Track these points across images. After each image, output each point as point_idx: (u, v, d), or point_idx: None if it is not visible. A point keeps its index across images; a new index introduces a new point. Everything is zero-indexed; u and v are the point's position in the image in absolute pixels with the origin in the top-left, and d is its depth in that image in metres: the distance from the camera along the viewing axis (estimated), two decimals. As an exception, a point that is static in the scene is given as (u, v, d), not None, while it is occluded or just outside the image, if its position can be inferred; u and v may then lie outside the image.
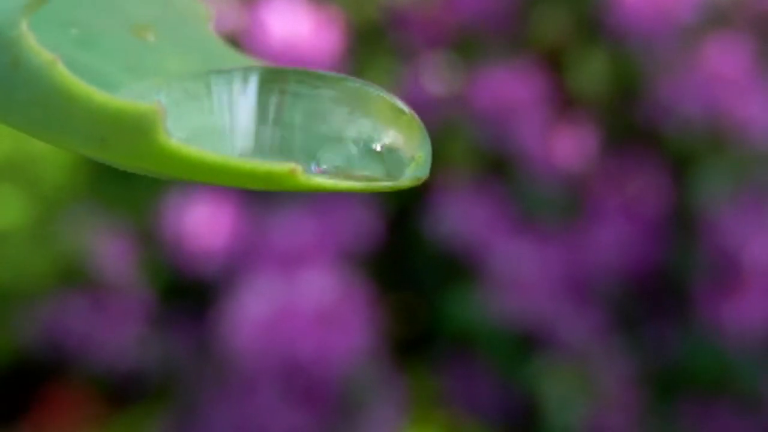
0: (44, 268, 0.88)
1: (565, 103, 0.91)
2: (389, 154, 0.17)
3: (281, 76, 0.17)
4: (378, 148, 0.17)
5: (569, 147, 0.90)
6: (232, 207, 0.87)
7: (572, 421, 0.86)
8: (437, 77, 0.91)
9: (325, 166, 0.17)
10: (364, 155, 0.17)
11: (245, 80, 0.17)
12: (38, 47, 0.13)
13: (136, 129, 0.13)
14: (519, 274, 0.87)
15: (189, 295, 0.90)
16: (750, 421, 0.88)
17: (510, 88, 0.89)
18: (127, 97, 0.16)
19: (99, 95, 0.13)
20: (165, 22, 0.20)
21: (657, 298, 0.91)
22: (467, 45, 0.93)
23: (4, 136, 0.85)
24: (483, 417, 0.89)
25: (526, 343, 0.88)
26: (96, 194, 0.90)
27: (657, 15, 0.89)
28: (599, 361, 0.87)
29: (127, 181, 0.89)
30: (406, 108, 0.18)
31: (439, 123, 0.89)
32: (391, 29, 0.93)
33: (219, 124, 0.17)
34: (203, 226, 0.86)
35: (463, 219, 0.88)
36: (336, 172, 0.16)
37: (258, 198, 0.88)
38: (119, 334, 0.88)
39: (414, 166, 0.17)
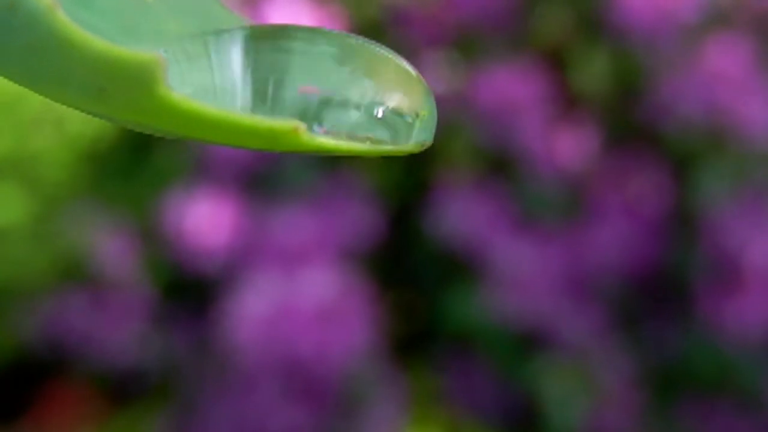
0: (45, 265, 0.88)
1: (566, 102, 0.91)
2: (393, 117, 0.16)
3: (281, 34, 0.17)
4: (382, 111, 0.16)
5: (570, 146, 0.90)
6: (233, 204, 0.87)
7: (572, 419, 0.86)
8: (439, 76, 0.91)
9: (327, 128, 0.16)
10: (368, 117, 0.16)
11: (244, 39, 0.17)
12: None
13: (137, 79, 0.13)
14: (520, 273, 0.87)
15: (190, 292, 0.90)
16: (750, 420, 0.88)
17: (511, 87, 0.89)
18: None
19: (99, 43, 0.13)
20: None
21: (657, 297, 0.91)
22: (469, 43, 0.93)
23: (5, 134, 0.86)
24: (483, 415, 0.89)
25: (527, 342, 0.88)
26: (97, 191, 0.90)
27: (658, 15, 0.89)
28: (599, 360, 0.87)
29: (129, 178, 0.90)
30: (411, 69, 0.17)
31: (441, 122, 0.88)
32: (392, 27, 0.93)
33: (219, 83, 0.16)
34: (204, 223, 0.86)
35: (464, 217, 0.88)
36: (339, 134, 0.16)
37: (259, 195, 0.88)
38: (120, 331, 0.88)
39: (419, 129, 0.17)
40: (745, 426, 0.88)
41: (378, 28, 0.92)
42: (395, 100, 0.16)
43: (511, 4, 0.92)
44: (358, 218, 0.87)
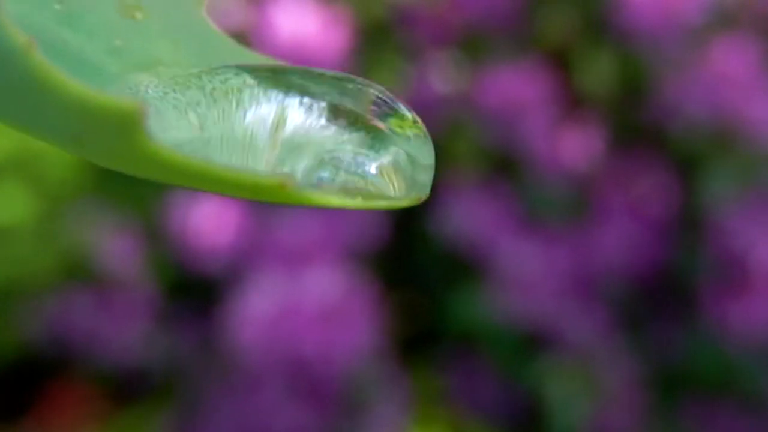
0: (49, 264, 0.88)
1: (571, 102, 0.91)
2: (390, 170, 0.16)
3: (280, 78, 0.16)
4: (376, 167, 0.16)
5: (575, 147, 0.89)
6: (238, 205, 0.87)
7: (576, 420, 0.86)
8: (444, 76, 0.91)
9: (319, 179, 0.15)
10: (363, 169, 0.15)
11: (241, 81, 0.16)
12: (13, 27, 0.12)
13: (114, 128, 0.12)
14: (524, 274, 0.87)
15: (194, 292, 0.90)
16: (754, 422, 0.87)
17: (516, 88, 0.89)
18: (107, 89, 0.14)
19: (75, 87, 0.12)
20: (155, 1, 0.18)
21: (662, 298, 0.91)
22: (474, 44, 0.93)
23: (9, 133, 0.86)
24: (487, 416, 0.89)
25: (531, 343, 0.88)
26: (101, 191, 0.90)
27: (664, 15, 0.89)
28: (603, 361, 0.87)
29: (133, 178, 0.89)
30: (412, 117, 0.16)
31: (446, 122, 0.88)
32: (397, 28, 0.93)
33: (209, 128, 0.15)
34: (209, 223, 0.86)
35: (468, 218, 0.88)
36: (331, 186, 0.15)
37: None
38: (124, 331, 0.88)
39: (416, 184, 0.16)
40: (749, 428, 0.88)
41: (383, 28, 0.92)
42: (392, 153, 0.16)
43: (517, 5, 0.92)
44: (362, 218, 0.87)
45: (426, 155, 0.16)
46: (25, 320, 0.88)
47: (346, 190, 0.15)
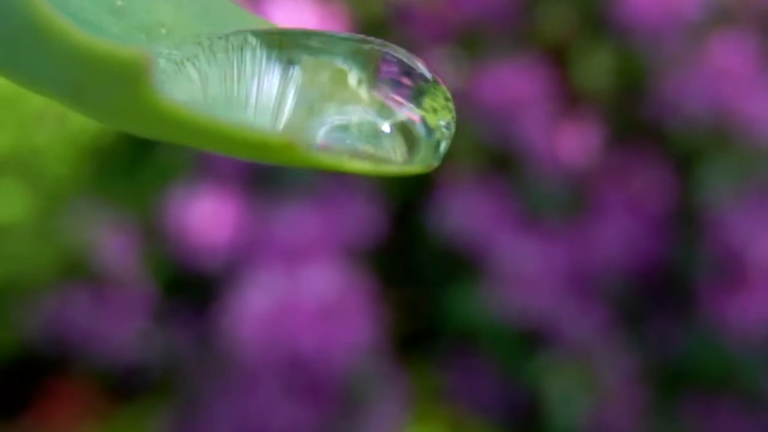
0: (47, 261, 0.88)
1: (569, 99, 0.91)
2: (403, 132, 0.15)
3: (288, 40, 0.15)
4: (390, 126, 0.15)
5: (574, 143, 0.89)
6: (236, 201, 0.87)
7: (575, 417, 0.86)
8: (442, 73, 0.91)
9: (329, 141, 0.15)
10: (375, 131, 0.15)
11: (248, 45, 0.15)
12: None
13: (118, 78, 0.11)
14: (522, 271, 0.87)
15: (192, 289, 0.90)
16: (753, 418, 0.87)
17: (515, 84, 0.89)
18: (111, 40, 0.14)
19: (77, 34, 0.11)
20: None
21: (661, 295, 0.91)
22: (472, 40, 0.92)
23: (7, 130, 0.85)
24: (485, 413, 0.89)
25: (530, 340, 0.88)
26: (99, 188, 0.90)
27: (662, 11, 0.88)
28: (602, 358, 0.87)
29: (131, 174, 0.89)
30: (431, 76, 0.16)
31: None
32: (395, 24, 0.93)
33: (216, 88, 0.15)
34: (206, 220, 0.86)
35: (466, 215, 0.88)
36: (340, 149, 0.15)
37: (261, 192, 0.87)
38: (122, 328, 0.88)
39: (428, 148, 0.15)
40: (748, 424, 0.88)
41: (381, 25, 0.92)
42: (405, 114, 0.15)
43: (515, 1, 0.92)
44: (361, 215, 0.87)
45: (446, 120, 0.16)
46: (23, 318, 0.88)
47: (356, 154, 0.15)
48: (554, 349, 0.88)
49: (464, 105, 0.90)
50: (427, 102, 0.15)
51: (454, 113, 0.16)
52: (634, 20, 0.89)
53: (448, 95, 0.16)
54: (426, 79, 0.16)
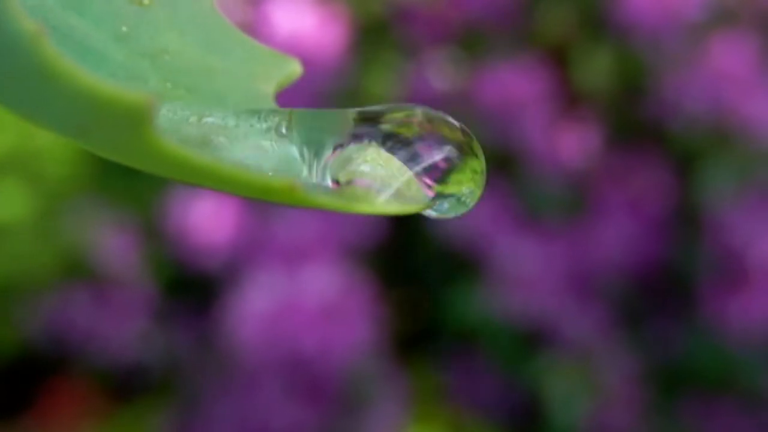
0: (48, 261, 0.88)
1: (569, 99, 0.91)
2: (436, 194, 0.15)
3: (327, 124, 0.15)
4: (407, 173, 0.15)
5: (574, 144, 0.89)
6: (236, 202, 0.87)
7: (575, 417, 0.86)
8: (442, 73, 0.91)
9: (336, 182, 0.15)
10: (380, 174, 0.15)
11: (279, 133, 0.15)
12: (22, 13, 0.11)
13: (122, 120, 0.12)
14: (523, 271, 0.87)
15: (192, 289, 0.90)
16: (753, 418, 0.87)
17: (515, 85, 0.89)
18: (117, 81, 0.14)
19: (84, 77, 0.11)
20: None
21: (661, 295, 0.91)
22: (472, 41, 0.92)
23: (8, 130, 0.86)
24: (486, 413, 0.89)
25: (530, 340, 0.88)
26: (100, 188, 0.90)
27: (662, 12, 0.88)
28: (603, 358, 0.87)
29: (132, 175, 0.90)
30: (467, 145, 0.15)
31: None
32: (395, 25, 0.93)
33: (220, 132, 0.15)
34: (207, 220, 0.86)
35: (467, 215, 0.88)
36: (345, 191, 0.15)
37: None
38: (122, 328, 0.88)
39: (450, 202, 0.15)
40: (749, 424, 0.88)
41: (381, 26, 0.92)
42: (426, 191, 0.15)
43: (515, 2, 0.92)
44: (361, 216, 0.87)
45: (467, 190, 0.16)
46: (24, 318, 0.88)
47: (354, 194, 0.15)
48: (554, 350, 0.88)
49: (464, 106, 0.90)
50: (453, 178, 0.16)
51: (480, 183, 0.16)
52: (634, 20, 0.89)
53: (479, 167, 0.16)
54: (460, 155, 0.16)
